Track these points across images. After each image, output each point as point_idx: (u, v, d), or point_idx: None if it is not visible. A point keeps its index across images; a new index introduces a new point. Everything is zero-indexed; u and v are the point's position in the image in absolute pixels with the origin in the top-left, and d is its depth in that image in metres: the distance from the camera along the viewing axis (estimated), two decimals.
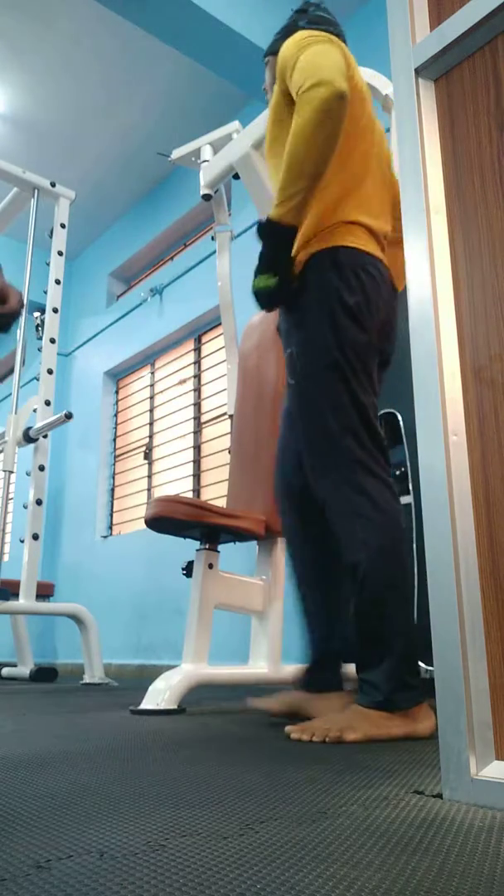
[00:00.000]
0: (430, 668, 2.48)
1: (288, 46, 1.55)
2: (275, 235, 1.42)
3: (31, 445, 3.66)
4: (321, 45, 1.51)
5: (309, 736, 1.33)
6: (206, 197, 2.94)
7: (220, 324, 3.67)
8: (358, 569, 1.42)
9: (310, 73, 1.44)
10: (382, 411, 2.90)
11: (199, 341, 4.73)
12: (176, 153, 3.19)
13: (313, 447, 1.50)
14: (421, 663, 2.49)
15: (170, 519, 2.00)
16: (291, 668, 2.31)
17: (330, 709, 1.58)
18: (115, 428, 5.40)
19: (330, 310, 1.47)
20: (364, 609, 1.43)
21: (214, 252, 4.03)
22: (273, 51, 1.75)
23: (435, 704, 0.86)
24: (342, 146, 1.48)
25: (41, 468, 3.62)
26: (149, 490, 4.85)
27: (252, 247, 4.04)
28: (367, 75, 2.65)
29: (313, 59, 1.47)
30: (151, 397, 5.06)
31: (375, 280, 1.50)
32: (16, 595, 3.48)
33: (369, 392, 1.51)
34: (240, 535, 2.19)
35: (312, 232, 1.51)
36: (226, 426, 4.21)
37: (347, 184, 1.54)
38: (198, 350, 4.71)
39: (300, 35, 1.56)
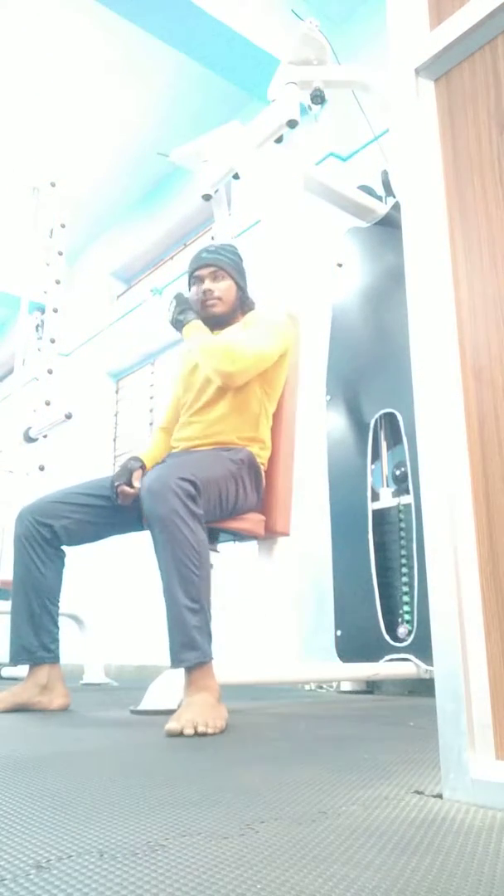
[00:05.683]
0: (430, 668, 2.48)
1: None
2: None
3: (32, 445, 3.66)
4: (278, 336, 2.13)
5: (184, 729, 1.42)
6: (207, 197, 2.94)
7: None
8: None
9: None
10: (382, 411, 2.90)
11: None
12: (176, 153, 3.19)
13: None
14: (421, 663, 2.49)
15: None
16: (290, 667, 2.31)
17: (57, 700, 2.02)
18: (116, 428, 5.39)
19: None
20: None
21: None
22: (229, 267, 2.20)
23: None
24: None
25: (41, 468, 3.62)
26: None
27: (252, 247, 4.01)
28: (367, 74, 2.65)
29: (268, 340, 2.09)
30: (151, 397, 5.06)
31: None
32: None
33: None
34: (240, 536, 2.18)
35: None
36: None
37: None
38: None
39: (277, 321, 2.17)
